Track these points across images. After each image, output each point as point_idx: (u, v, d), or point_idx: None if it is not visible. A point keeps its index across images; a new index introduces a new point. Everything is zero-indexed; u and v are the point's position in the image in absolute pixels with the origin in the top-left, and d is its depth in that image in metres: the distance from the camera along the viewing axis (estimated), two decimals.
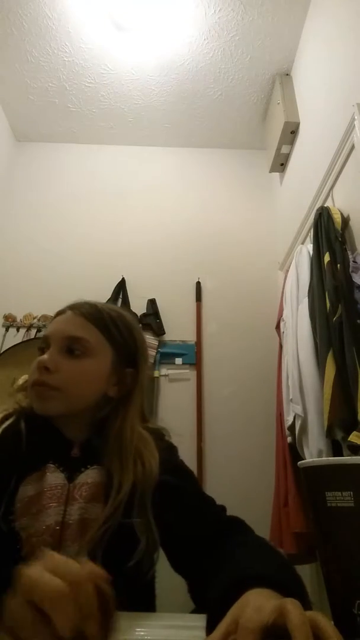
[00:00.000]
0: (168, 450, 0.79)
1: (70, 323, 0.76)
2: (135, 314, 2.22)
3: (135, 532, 0.64)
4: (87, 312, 0.77)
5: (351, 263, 1.32)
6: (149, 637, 0.49)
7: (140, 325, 2.19)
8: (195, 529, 0.66)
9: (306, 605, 0.37)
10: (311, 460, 0.44)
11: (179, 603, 0.63)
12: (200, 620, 0.47)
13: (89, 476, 0.69)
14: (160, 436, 0.81)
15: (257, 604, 0.38)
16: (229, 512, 0.71)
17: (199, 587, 0.61)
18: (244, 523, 0.69)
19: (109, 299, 2.23)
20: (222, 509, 0.73)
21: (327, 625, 0.35)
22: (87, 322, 0.76)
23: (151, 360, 2.11)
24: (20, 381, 0.84)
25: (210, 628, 0.41)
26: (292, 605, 0.36)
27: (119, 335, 0.78)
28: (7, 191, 2.55)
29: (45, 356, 0.72)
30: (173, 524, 0.68)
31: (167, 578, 0.70)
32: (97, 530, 0.62)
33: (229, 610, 0.39)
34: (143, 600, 0.72)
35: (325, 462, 0.42)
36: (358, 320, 1.22)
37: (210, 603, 0.46)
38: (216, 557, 0.60)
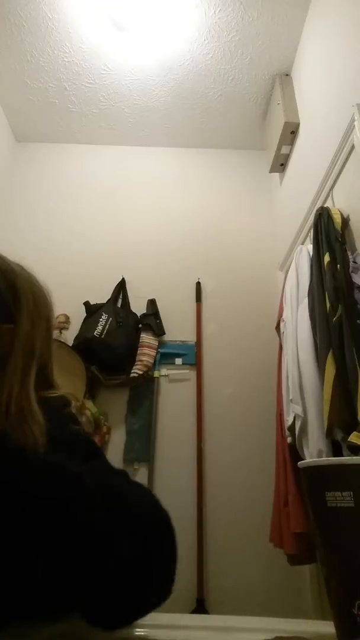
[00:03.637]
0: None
1: None
2: (135, 314, 2.22)
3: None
4: None
5: (351, 263, 1.33)
6: (149, 637, 0.49)
7: (141, 325, 2.19)
8: None
9: None
10: (311, 460, 0.44)
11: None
12: (200, 620, 0.46)
13: None
14: (61, 409, 0.64)
15: None
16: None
17: None
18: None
19: (109, 299, 2.23)
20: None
21: None
22: None
23: (151, 360, 2.11)
24: None
25: None
26: None
27: None
28: (6, 191, 2.55)
29: None
30: None
31: None
32: None
33: None
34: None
35: (325, 462, 0.42)
36: (358, 321, 1.23)
37: None
38: None
